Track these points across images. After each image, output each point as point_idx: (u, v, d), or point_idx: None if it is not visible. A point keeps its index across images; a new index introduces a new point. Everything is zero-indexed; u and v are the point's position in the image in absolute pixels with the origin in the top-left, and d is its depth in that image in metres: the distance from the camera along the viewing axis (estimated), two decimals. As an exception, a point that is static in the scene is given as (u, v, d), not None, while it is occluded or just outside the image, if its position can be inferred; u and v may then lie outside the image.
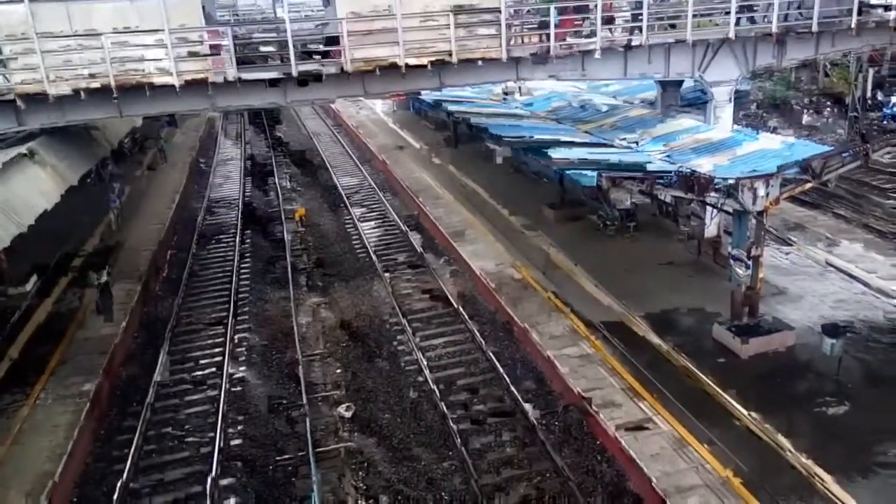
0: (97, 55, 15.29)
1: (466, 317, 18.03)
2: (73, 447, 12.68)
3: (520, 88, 27.77)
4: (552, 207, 23.38)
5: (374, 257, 22.79)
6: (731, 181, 13.55)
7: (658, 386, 13.37)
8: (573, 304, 17.13)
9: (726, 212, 15.07)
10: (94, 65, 15.42)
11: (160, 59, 15.58)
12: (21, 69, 15.44)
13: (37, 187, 16.19)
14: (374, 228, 25.97)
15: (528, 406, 13.98)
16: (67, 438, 12.86)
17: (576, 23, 17.76)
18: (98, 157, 22.26)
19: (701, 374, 13.76)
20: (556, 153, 17.09)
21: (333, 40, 16.66)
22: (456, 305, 18.77)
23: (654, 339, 15.27)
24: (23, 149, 16.55)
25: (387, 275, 21.29)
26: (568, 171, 18.22)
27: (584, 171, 16.92)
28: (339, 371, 16.38)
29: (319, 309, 19.62)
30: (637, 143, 18.39)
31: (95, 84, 15.49)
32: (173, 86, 15.77)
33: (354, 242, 24.79)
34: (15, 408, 13.93)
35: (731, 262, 14.58)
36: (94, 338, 16.69)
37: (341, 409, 14.63)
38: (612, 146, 18.74)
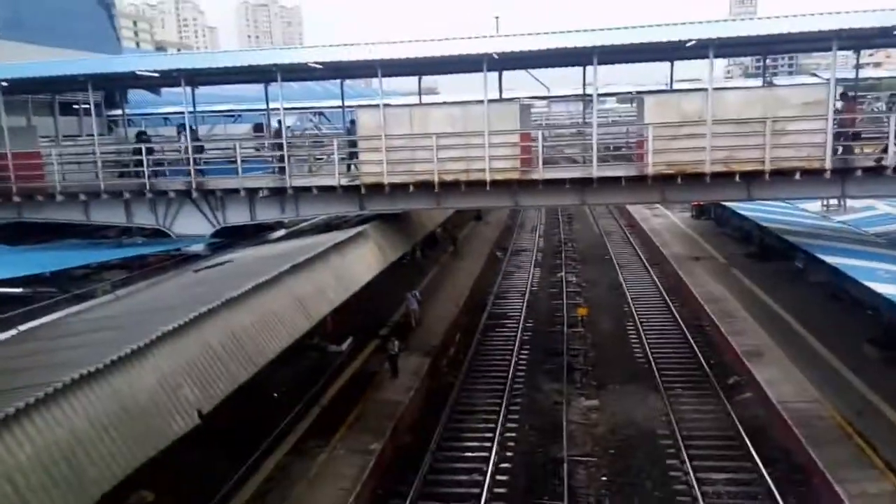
0: (427, 154, 17.66)
1: (754, 451, 16.10)
2: (354, 500, 13.98)
3: (843, 204, 24.90)
4: (876, 344, 19.97)
5: (653, 366, 21.78)
6: None
7: None
8: (896, 461, 14.23)
9: None
10: (423, 163, 17.81)
11: (477, 159, 17.41)
12: (366, 163, 18.53)
13: (365, 262, 18.84)
14: (657, 336, 24.90)
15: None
16: (350, 491, 14.24)
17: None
18: (414, 241, 25.23)
19: None
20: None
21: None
22: (743, 435, 16.89)
23: None
24: (359, 228, 19.54)
25: (665, 387, 20.14)
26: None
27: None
28: (604, 479, 15.75)
29: (590, 412, 19.26)
30: None
31: (422, 178, 17.85)
32: (485, 182, 17.44)
33: (634, 347, 24.03)
34: (316, 452, 15.91)
35: None
36: (386, 401, 18.49)
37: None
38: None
